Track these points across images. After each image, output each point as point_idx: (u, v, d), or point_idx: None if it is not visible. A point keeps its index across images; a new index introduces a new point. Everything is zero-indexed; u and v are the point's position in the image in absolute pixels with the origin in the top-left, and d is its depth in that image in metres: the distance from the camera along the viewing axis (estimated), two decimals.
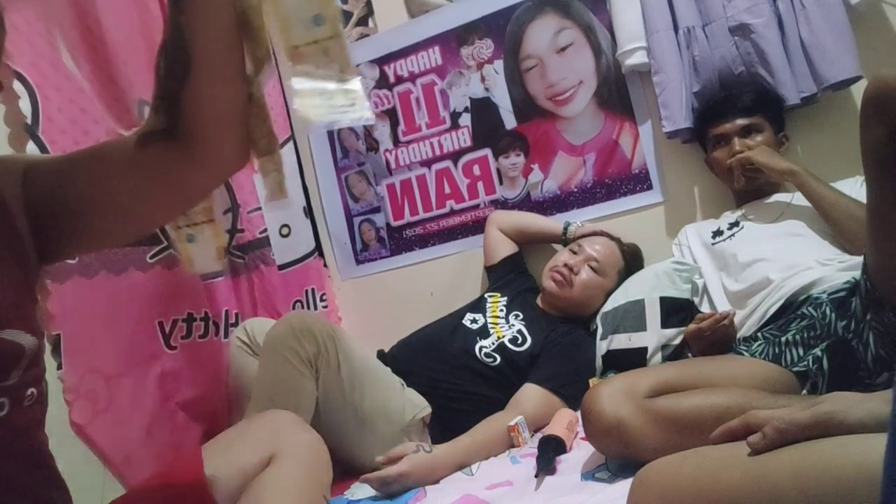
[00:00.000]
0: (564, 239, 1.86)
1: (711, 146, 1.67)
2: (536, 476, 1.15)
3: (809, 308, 1.24)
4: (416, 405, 1.51)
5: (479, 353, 1.60)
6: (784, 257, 1.39)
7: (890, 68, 0.88)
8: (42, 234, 0.67)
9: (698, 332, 1.37)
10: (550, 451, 1.21)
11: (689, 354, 1.49)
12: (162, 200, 0.72)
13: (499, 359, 1.59)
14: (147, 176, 0.69)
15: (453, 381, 1.57)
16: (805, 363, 1.14)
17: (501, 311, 1.74)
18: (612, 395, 1.06)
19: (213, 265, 0.82)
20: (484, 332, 1.67)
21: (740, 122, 1.59)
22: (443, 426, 1.51)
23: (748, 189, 1.61)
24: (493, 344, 1.63)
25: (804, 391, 1.14)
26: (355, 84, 0.70)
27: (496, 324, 1.69)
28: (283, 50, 0.68)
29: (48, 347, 1.39)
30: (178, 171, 0.69)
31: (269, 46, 0.69)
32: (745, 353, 1.27)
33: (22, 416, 0.62)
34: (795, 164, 1.48)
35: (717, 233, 1.62)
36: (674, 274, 1.61)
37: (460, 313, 1.77)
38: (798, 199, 1.52)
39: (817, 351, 1.14)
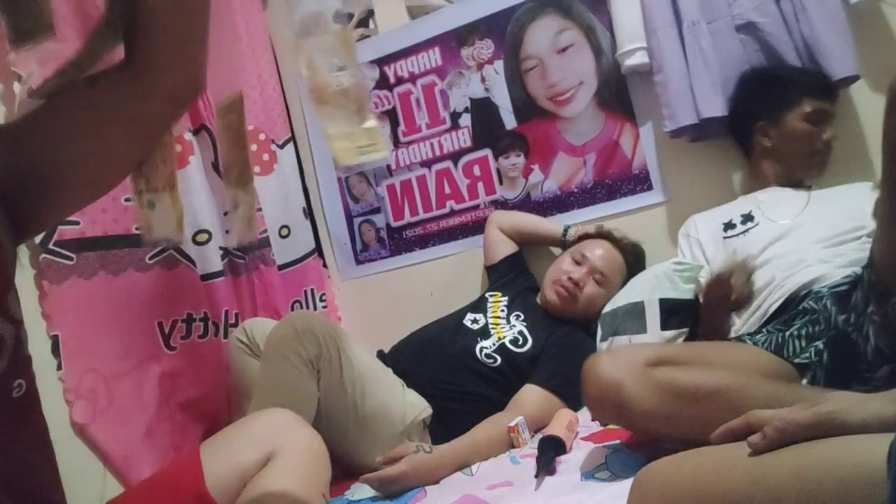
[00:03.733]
0: (563, 241, 1.85)
1: (800, 117, 1.54)
2: (536, 476, 1.15)
3: (811, 302, 1.24)
4: (417, 407, 1.51)
5: (480, 353, 1.60)
6: (790, 256, 1.39)
7: None
8: (15, 206, 0.65)
9: (722, 287, 1.31)
10: (550, 452, 1.21)
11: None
12: (123, 137, 0.70)
13: (499, 360, 1.59)
14: (102, 112, 0.68)
15: (453, 381, 1.57)
16: (807, 355, 1.15)
17: (502, 310, 1.74)
18: (613, 359, 1.07)
19: (172, 234, 0.81)
20: (485, 333, 1.66)
21: (834, 106, 1.56)
22: (443, 426, 1.51)
23: (813, 176, 1.58)
24: (493, 344, 1.62)
25: (805, 382, 1.14)
26: (372, 122, 0.75)
27: (497, 324, 1.69)
28: (310, 93, 0.73)
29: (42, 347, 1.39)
30: (132, 101, 0.68)
31: None
32: (748, 341, 1.27)
33: (14, 409, 0.61)
34: None
35: (729, 225, 1.58)
36: (673, 275, 1.60)
37: (461, 313, 1.77)
38: (816, 195, 1.51)
39: (819, 343, 1.14)
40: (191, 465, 0.83)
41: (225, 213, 1.88)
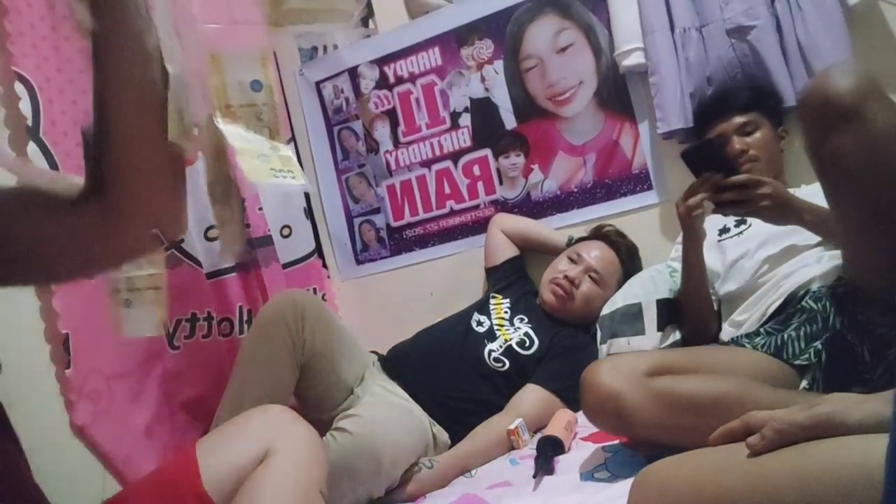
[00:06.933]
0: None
1: None
2: (534, 476, 1.15)
3: (809, 301, 1.24)
4: (441, 444, 1.47)
5: (489, 357, 1.58)
6: (788, 255, 1.38)
7: (824, 77, 0.90)
8: None
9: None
10: (548, 452, 1.21)
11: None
12: (96, 261, 0.71)
13: (507, 363, 1.58)
14: (77, 235, 0.68)
15: (463, 388, 1.55)
16: (806, 356, 1.15)
17: (506, 312, 1.73)
18: (613, 369, 1.07)
19: (149, 331, 0.81)
20: (490, 335, 1.65)
21: (737, 119, 1.57)
22: (452, 434, 1.49)
23: None
24: (500, 347, 1.61)
25: (804, 384, 1.14)
26: (287, 151, 0.71)
27: (501, 326, 1.68)
28: (216, 107, 0.68)
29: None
30: (107, 235, 0.68)
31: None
32: (747, 345, 1.27)
33: None
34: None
35: (724, 230, 1.58)
36: (668, 273, 1.60)
37: (467, 316, 1.74)
38: (802, 194, 1.51)
39: (818, 344, 1.14)
40: (187, 462, 0.83)
41: (211, 227, 1.86)
